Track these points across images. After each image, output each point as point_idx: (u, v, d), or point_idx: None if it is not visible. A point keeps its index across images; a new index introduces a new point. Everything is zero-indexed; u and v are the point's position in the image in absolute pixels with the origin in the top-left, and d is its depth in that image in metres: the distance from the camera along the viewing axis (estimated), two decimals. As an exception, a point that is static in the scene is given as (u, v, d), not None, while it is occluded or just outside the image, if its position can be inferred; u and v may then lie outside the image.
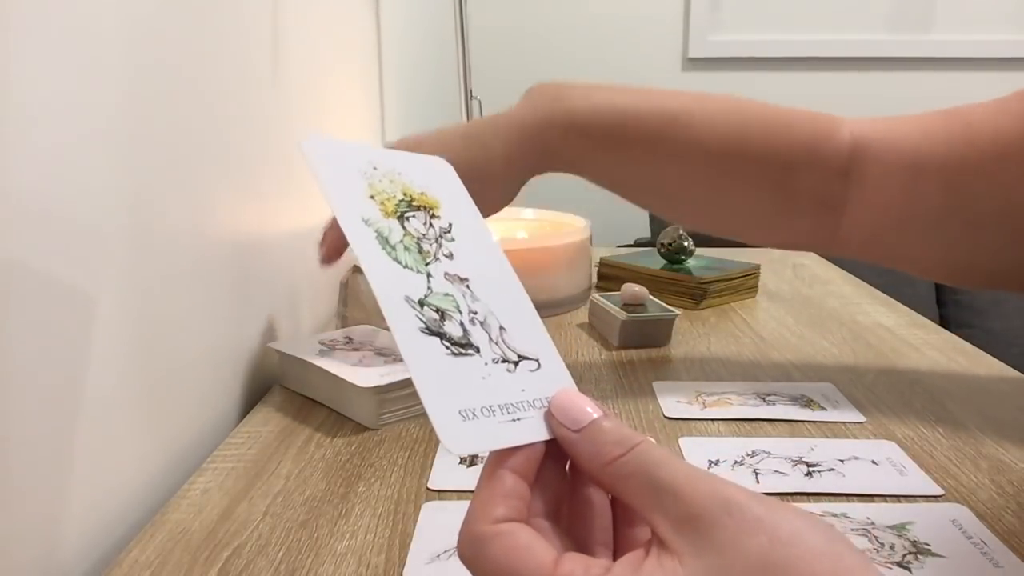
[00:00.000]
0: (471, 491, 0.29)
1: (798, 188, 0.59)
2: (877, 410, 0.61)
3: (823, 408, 0.61)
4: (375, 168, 0.34)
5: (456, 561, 0.40)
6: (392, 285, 0.30)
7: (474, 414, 0.28)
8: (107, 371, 0.44)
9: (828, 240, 0.61)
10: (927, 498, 0.48)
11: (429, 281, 0.31)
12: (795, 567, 0.24)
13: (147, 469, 0.49)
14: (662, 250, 0.97)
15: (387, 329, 0.68)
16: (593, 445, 0.28)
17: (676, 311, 0.77)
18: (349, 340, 0.65)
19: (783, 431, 0.57)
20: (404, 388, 0.57)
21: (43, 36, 0.37)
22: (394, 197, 0.33)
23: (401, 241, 0.32)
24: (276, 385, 0.66)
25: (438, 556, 0.41)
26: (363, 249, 0.30)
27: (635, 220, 1.97)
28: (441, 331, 0.29)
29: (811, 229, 0.61)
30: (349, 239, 0.30)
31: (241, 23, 0.62)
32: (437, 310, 0.30)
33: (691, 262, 0.96)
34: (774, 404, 0.62)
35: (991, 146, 0.53)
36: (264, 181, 0.68)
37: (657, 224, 1.85)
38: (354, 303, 0.80)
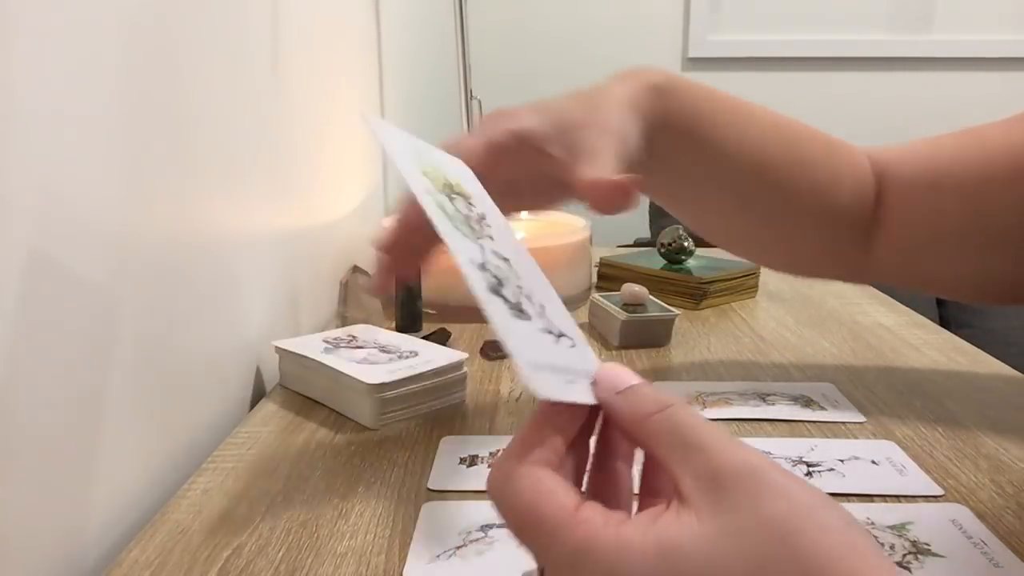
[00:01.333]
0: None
1: (844, 205, 0.59)
2: (877, 410, 0.61)
3: (823, 408, 0.61)
4: (420, 154, 0.37)
5: (456, 561, 0.40)
6: (461, 247, 0.31)
7: (540, 367, 0.29)
8: (107, 371, 0.44)
9: (862, 265, 0.61)
10: (927, 498, 0.48)
11: (483, 252, 0.32)
12: (810, 538, 0.25)
13: (147, 469, 0.49)
14: (662, 250, 0.97)
15: (388, 329, 0.68)
16: (631, 405, 0.29)
17: (676, 311, 0.77)
18: (353, 338, 0.65)
19: (783, 431, 0.57)
20: (405, 387, 0.57)
21: (41, 36, 0.37)
22: (440, 179, 0.35)
23: (456, 213, 0.33)
24: (276, 385, 0.66)
25: (438, 556, 0.41)
26: (433, 212, 0.31)
27: (635, 220, 1.97)
28: (502, 294, 0.30)
29: (849, 252, 0.61)
30: (421, 202, 0.32)
31: (241, 22, 0.62)
32: (495, 277, 0.31)
33: (691, 262, 0.96)
34: (774, 404, 0.62)
35: (1006, 159, 0.54)
36: (264, 180, 0.68)
37: (657, 224, 1.85)
38: (354, 303, 0.80)
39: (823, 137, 0.61)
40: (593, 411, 0.30)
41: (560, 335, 0.32)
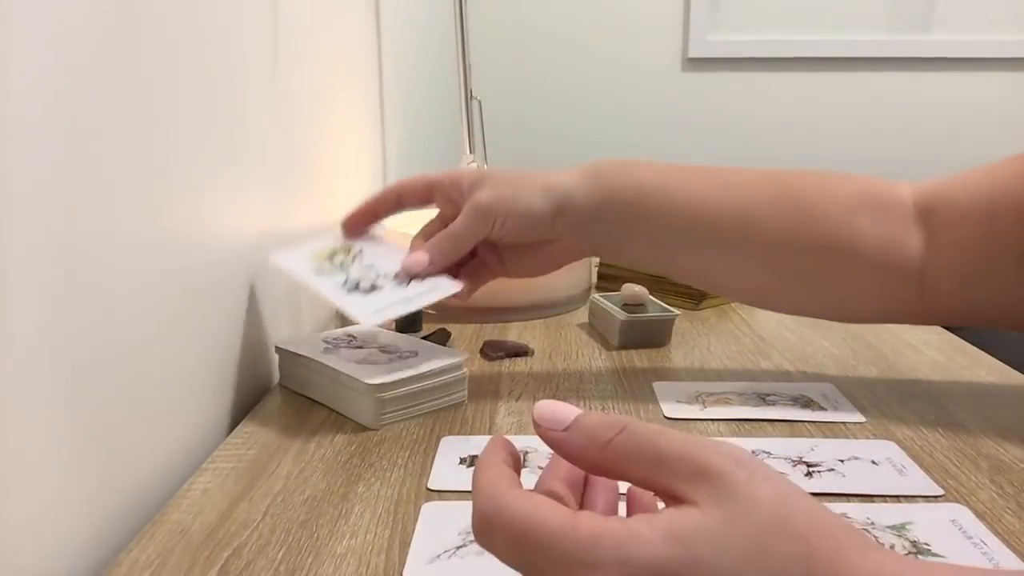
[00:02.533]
0: (472, 491, 0.29)
1: (864, 234, 0.58)
2: (877, 410, 0.61)
3: (823, 408, 0.61)
4: (312, 251, 0.62)
5: (456, 561, 0.40)
6: (325, 286, 0.58)
7: (380, 310, 0.56)
8: (106, 370, 0.44)
9: (915, 301, 0.59)
10: (927, 498, 0.48)
11: (348, 276, 0.60)
12: (804, 516, 0.26)
13: (147, 469, 0.49)
14: (662, 250, 0.96)
15: (388, 329, 0.68)
16: (584, 435, 0.29)
17: (676, 311, 0.77)
18: (353, 339, 0.65)
19: (783, 431, 0.57)
20: (405, 387, 0.58)
21: (41, 36, 0.37)
22: (327, 251, 0.62)
23: (332, 268, 0.61)
24: (276, 385, 0.66)
25: (438, 556, 0.41)
26: (320, 288, 0.58)
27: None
28: (356, 289, 0.58)
29: (892, 288, 0.59)
30: (318, 291, 0.58)
31: (241, 23, 0.62)
32: (355, 282, 0.59)
33: (691, 262, 0.96)
34: (774, 404, 0.62)
35: None
36: (265, 180, 0.68)
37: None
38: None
39: (821, 181, 0.60)
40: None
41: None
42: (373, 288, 0.57)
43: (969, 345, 0.77)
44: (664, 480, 0.27)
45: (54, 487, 0.40)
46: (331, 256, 0.62)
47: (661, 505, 0.28)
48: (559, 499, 0.30)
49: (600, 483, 0.32)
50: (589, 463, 0.29)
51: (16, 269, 0.36)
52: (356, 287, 0.58)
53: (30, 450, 0.38)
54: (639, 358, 0.73)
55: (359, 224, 0.66)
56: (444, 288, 0.60)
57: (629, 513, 0.32)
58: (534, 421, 0.30)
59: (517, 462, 0.31)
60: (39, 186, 0.37)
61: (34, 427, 0.38)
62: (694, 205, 0.60)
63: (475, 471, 0.30)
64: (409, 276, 0.59)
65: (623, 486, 0.32)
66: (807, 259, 0.59)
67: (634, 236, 0.61)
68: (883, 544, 0.42)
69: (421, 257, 0.60)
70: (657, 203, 0.60)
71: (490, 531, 0.27)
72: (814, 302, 0.63)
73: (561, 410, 0.30)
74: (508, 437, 0.32)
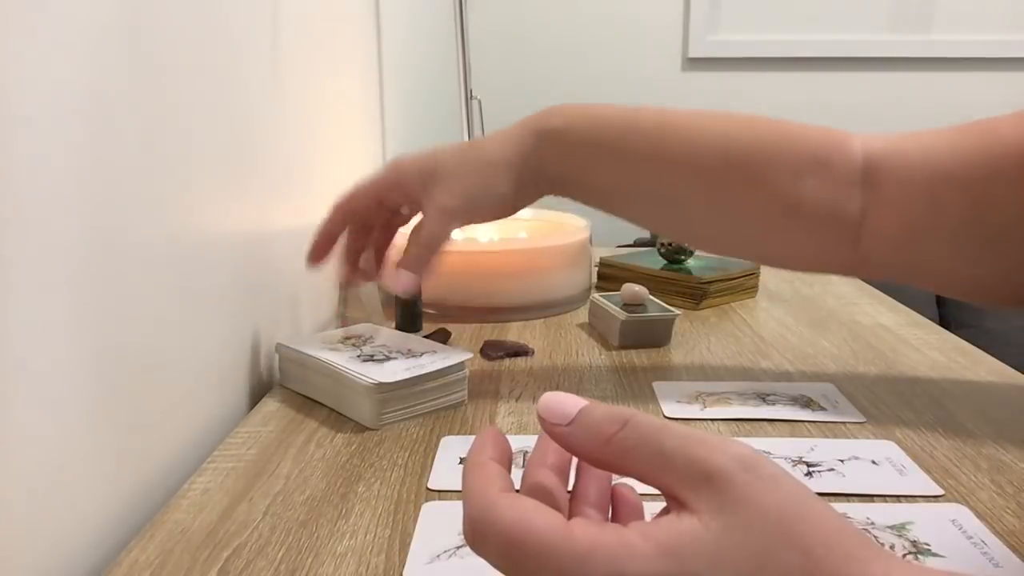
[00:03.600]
0: (462, 494, 0.29)
1: (805, 198, 0.58)
2: (877, 410, 0.61)
3: (823, 408, 0.61)
4: (325, 338, 0.66)
5: (456, 561, 0.40)
6: (341, 361, 0.60)
7: (397, 377, 0.57)
8: (105, 370, 0.44)
9: (849, 258, 0.60)
10: (927, 498, 0.48)
11: (360, 353, 0.62)
12: (808, 524, 0.25)
13: (147, 469, 0.49)
14: (662, 250, 0.97)
15: (388, 328, 0.68)
16: (587, 429, 0.28)
17: (676, 311, 0.77)
18: (353, 338, 0.65)
19: (783, 431, 0.57)
20: (405, 388, 0.58)
21: (40, 36, 0.37)
22: (337, 337, 0.67)
23: (345, 348, 0.63)
24: (276, 385, 0.66)
25: (438, 556, 0.41)
26: (334, 361, 0.60)
27: (635, 220, 1.97)
28: (368, 360, 0.60)
29: (828, 246, 0.60)
30: (320, 357, 0.61)
31: (240, 23, 0.62)
32: (368, 356, 0.61)
33: (691, 262, 0.96)
34: (774, 404, 0.62)
35: (1015, 153, 0.53)
36: (265, 181, 0.68)
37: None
38: (354, 304, 0.80)
39: (778, 129, 0.60)
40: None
41: (423, 353, 0.62)
42: (386, 359, 0.60)
43: (969, 345, 0.77)
44: (666, 480, 0.27)
45: (53, 487, 0.40)
46: (342, 340, 0.65)
47: (652, 505, 0.28)
48: (547, 492, 0.29)
49: (593, 471, 0.31)
50: (592, 458, 0.29)
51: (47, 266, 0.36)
52: (371, 359, 0.61)
53: (29, 449, 0.38)
54: (639, 358, 0.73)
55: (322, 252, 0.66)
56: (455, 356, 0.61)
57: (615, 512, 0.31)
58: (538, 415, 0.30)
59: (507, 457, 0.30)
60: (71, 185, 0.37)
61: (31, 426, 0.38)
62: (651, 144, 0.60)
63: (464, 472, 0.29)
64: (406, 296, 0.68)
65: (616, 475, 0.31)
66: (751, 217, 0.60)
67: (592, 167, 0.62)
68: (883, 544, 0.42)
69: (406, 279, 0.61)
70: (619, 132, 0.61)
71: (483, 539, 0.27)
72: (751, 251, 0.66)
73: (566, 403, 0.29)
74: (508, 437, 0.32)
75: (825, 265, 0.63)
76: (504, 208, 0.62)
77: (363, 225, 0.66)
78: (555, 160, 0.61)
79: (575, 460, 0.31)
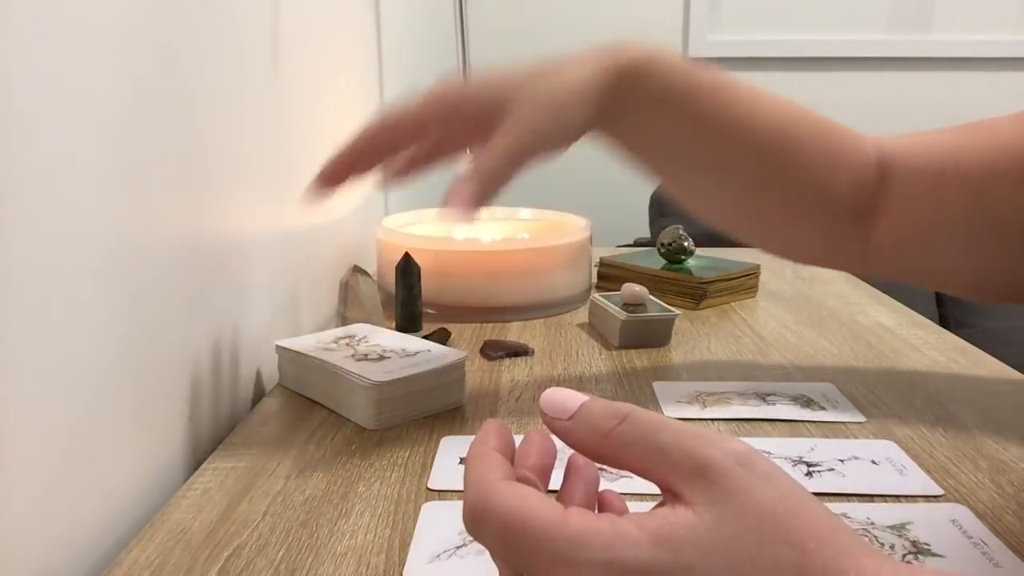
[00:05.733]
0: (464, 481, 0.29)
1: (834, 191, 0.58)
2: (877, 410, 0.61)
3: (823, 408, 0.61)
4: (319, 338, 0.66)
5: (456, 561, 0.40)
6: (337, 359, 0.60)
7: (389, 372, 0.58)
8: (106, 371, 0.44)
9: (856, 253, 0.60)
10: (927, 498, 0.48)
11: (355, 351, 0.62)
12: (803, 519, 0.26)
13: (147, 469, 0.49)
14: (662, 250, 0.97)
15: (388, 328, 0.68)
16: (587, 424, 0.29)
17: (676, 311, 0.77)
18: (352, 338, 0.65)
19: (783, 431, 0.57)
20: (405, 387, 0.57)
21: (41, 36, 0.37)
22: (331, 337, 0.66)
23: (341, 347, 0.63)
24: (276, 385, 0.66)
25: (438, 556, 0.41)
26: (328, 358, 0.60)
27: (635, 220, 1.97)
28: (362, 359, 0.60)
29: (841, 240, 0.60)
30: (316, 356, 0.61)
31: (240, 22, 0.62)
32: (363, 355, 0.61)
33: (691, 262, 0.96)
34: (774, 404, 0.62)
35: (1016, 151, 0.54)
36: (265, 180, 0.68)
37: (657, 224, 1.85)
38: (354, 303, 0.80)
39: (818, 120, 0.60)
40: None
41: (416, 353, 0.62)
42: (381, 358, 0.60)
43: (969, 345, 0.77)
44: (663, 474, 0.27)
45: (53, 486, 0.40)
46: (336, 340, 0.65)
47: (643, 506, 0.28)
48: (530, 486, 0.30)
49: (581, 475, 0.31)
50: (591, 452, 0.29)
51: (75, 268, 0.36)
52: (365, 357, 0.61)
53: (29, 449, 0.38)
54: (639, 358, 0.73)
55: (338, 175, 0.55)
56: (452, 356, 0.61)
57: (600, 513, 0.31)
58: (540, 410, 0.30)
59: (510, 448, 0.31)
60: (102, 189, 0.37)
61: (31, 426, 0.38)
62: (718, 108, 0.58)
63: (467, 459, 0.30)
64: (465, 220, 0.49)
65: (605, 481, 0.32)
66: (781, 201, 0.60)
67: (663, 122, 0.57)
68: (883, 544, 0.42)
69: (471, 193, 0.50)
70: (708, 92, 0.58)
71: (481, 524, 0.27)
72: (767, 236, 0.64)
73: (566, 398, 0.30)
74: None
75: (833, 259, 0.63)
76: (569, 142, 0.56)
77: (393, 148, 0.57)
78: (629, 104, 0.56)
79: (564, 462, 0.32)
